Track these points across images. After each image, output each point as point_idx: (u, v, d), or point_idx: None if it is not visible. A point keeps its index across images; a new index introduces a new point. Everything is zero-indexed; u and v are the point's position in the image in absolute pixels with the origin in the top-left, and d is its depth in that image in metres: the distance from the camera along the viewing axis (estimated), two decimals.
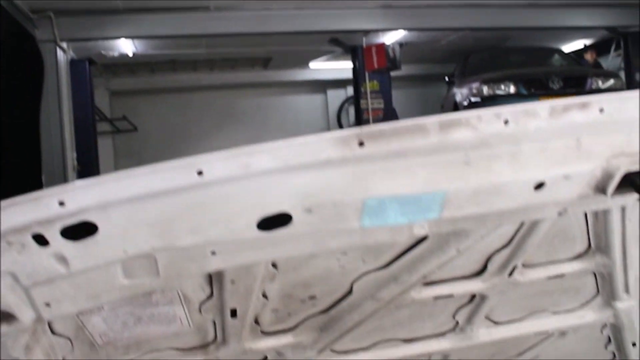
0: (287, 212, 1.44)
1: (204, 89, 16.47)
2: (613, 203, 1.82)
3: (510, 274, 2.19)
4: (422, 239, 1.91)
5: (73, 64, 10.84)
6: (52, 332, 1.94)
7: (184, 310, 1.95)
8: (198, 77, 15.92)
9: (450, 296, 2.22)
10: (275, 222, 1.47)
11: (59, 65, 10.22)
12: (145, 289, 1.75)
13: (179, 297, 1.89)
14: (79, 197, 1.35)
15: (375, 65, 12.10)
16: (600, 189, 1.59)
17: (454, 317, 2.43)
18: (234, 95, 16.93)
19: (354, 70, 12.74)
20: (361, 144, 1.36)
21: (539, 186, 1.55)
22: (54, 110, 10.00)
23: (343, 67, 14.05)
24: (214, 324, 2.06)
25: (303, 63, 15.69)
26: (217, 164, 1.34)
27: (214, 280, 1.83)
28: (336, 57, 14.19)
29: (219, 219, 1.42)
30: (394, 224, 1.51)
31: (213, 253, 1.55)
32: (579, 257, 2.29)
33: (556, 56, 12.89)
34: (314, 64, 15.82)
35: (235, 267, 1.69)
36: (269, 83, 16.85)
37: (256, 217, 1.44)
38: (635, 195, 1.71)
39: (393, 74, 12.97)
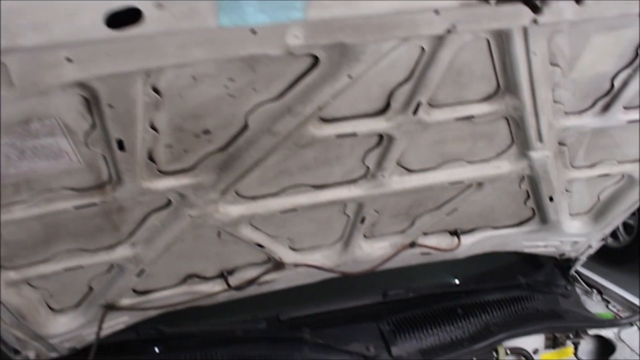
0: (135, 7, 1.33)
1: None
2: (509, 22, 1.74)
3: (415, 112, 2.13)
4: (312, 67, 1.82)
5: None
6: None
7: (69, 142, 1.86)
8: None
9: (353, 135, 2.16)
10: (127, 21, 1.36)
11: None
12: (16, 113, 1.65)
13: (60, 126, 1.79)
14: None
15: None
16: None
17: (363, 161, 2.39)
18: None
19: None
20: None
21: None
22: None
23: None
24: (105, 160, 1.98)
25: None
26: None
27: (92, 106, 1.73)
28: None
29: (61, 13, 1.30)
30: (255, 23, 1.41)
31: (68, 60, 1.45)
32: (488, 98, 2.23)
33: None
34: None
35: (101, 80, 1.58)
36: None
37: (102, 12, 1.32)
38: (529, 15, 1.63)
39: None
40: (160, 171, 2.10)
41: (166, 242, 2.47)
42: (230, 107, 1.90)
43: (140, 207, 2.28)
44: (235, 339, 3.21)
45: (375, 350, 3.16)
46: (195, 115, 1.89)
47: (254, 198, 2.40)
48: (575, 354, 3.37)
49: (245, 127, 1.99)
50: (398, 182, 2.53)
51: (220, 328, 3.27)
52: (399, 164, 2.46)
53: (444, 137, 2.38)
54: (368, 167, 2.42)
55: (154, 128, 1.89)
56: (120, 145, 1.87)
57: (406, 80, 2.00)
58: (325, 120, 2.09)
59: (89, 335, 2.95)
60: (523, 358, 3.28)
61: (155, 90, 1.75)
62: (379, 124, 2.15)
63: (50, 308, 2.77)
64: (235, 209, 2.41)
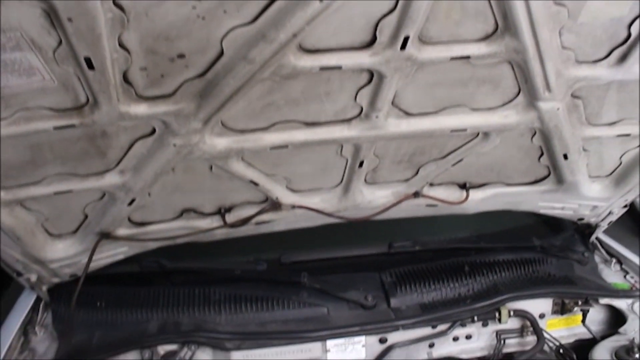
0: None
1: None
2: None
3: (403, 46, 2.01)
4: None
5: None
6: None
7: (39, 59, 1.83)
8: None
9: (338, 68, 2.06)
10: None
11: None
12: None
13: (25, 41, 1.75)
14: None
15: None
16: None
17: (355, 100, 2.29)
18: None
19: None
20: None
21: None
22: None
23: None
24: (80, 80, 1.95)
25: None
26: None
27: (53, 20, 1.69)
28: None
29: None
30: None
31: None
32: (485, 38, 2.09)
33: None
34: None
35: None
36: None
37: None
38: None
39: None
40: (138, 95, 2.06)
41: (154, 171, 2.44)
42: (202, 30, 1.83)
43: (124, 134, 2.25)
44: (234, 278, 3.22)
45: (374, 300, 3.11)
46: (166, 37, 1.83)
47: (242, 131, 2.34)
48: (584, 322, 3.22)
49: (221, 52, 1.92)
50: (395, 125, 2.43)
51: (221, 266, 3.27)
52: (395, 106, 2.36)
53: (442, 79, 2.26)
54: (361, 107, 2.32)
55: (124, 48, 1.84)
56: (89, 63, 1.83)
57: (390, 11, 1.89)
58: (307, 51, 2.00)
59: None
60: (527, 322, 3.16)
61: (119, 7, 1.69)
62: (365, 58, 2.05)
63: (49, 233, 2.79)
64: (222, 142, 2.36)
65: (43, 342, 3.10)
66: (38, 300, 3.21)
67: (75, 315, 3.06)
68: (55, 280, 3.09)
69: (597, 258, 3.59)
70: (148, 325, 3.05)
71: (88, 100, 2.03)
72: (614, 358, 2.87)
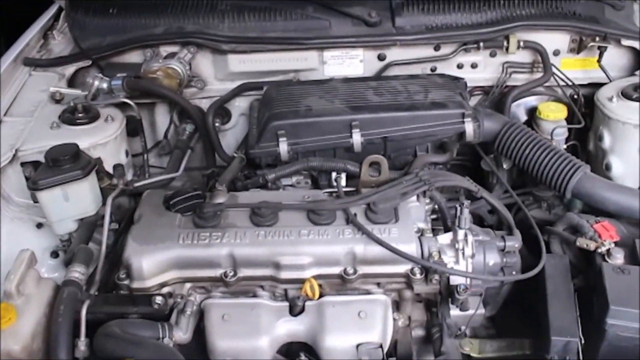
0: None
1: None
2: None
3: None
4: None
5: None
6: None
7: None
8: None
9: None
10: None
11: None
12: None
13: None
14: None
15: None
16: None
17: None
18: None
19: None
20: None
21: None
22: None
23: None
24: None
25: None
26: None
27: None
28: None
29: None
30: None
31: None
32: None
33: None
34: None
35: None
36: None
37: None
38: None
39: None
40: None
41: None
42: None
43: None
44: None
45: (378, 17, 2.99)
46: None
47: None
48: (599, 62, 3.00)
49: None
50: None
51: None
52: None
53: None
54: None
55: None
56: None
57: None
58: None
59: None
60: (538, 56, 2.99)
61: None
62: None
63: None
64: None
65: (59, 45, 3.23)
66: (60, 10, 3.33)
67: (90, 21, 3.15)
68: None
69: (636, 6, 3.26)
70: (154, 29, 3.08)
71: None
72: (620, 95, 2.70)
